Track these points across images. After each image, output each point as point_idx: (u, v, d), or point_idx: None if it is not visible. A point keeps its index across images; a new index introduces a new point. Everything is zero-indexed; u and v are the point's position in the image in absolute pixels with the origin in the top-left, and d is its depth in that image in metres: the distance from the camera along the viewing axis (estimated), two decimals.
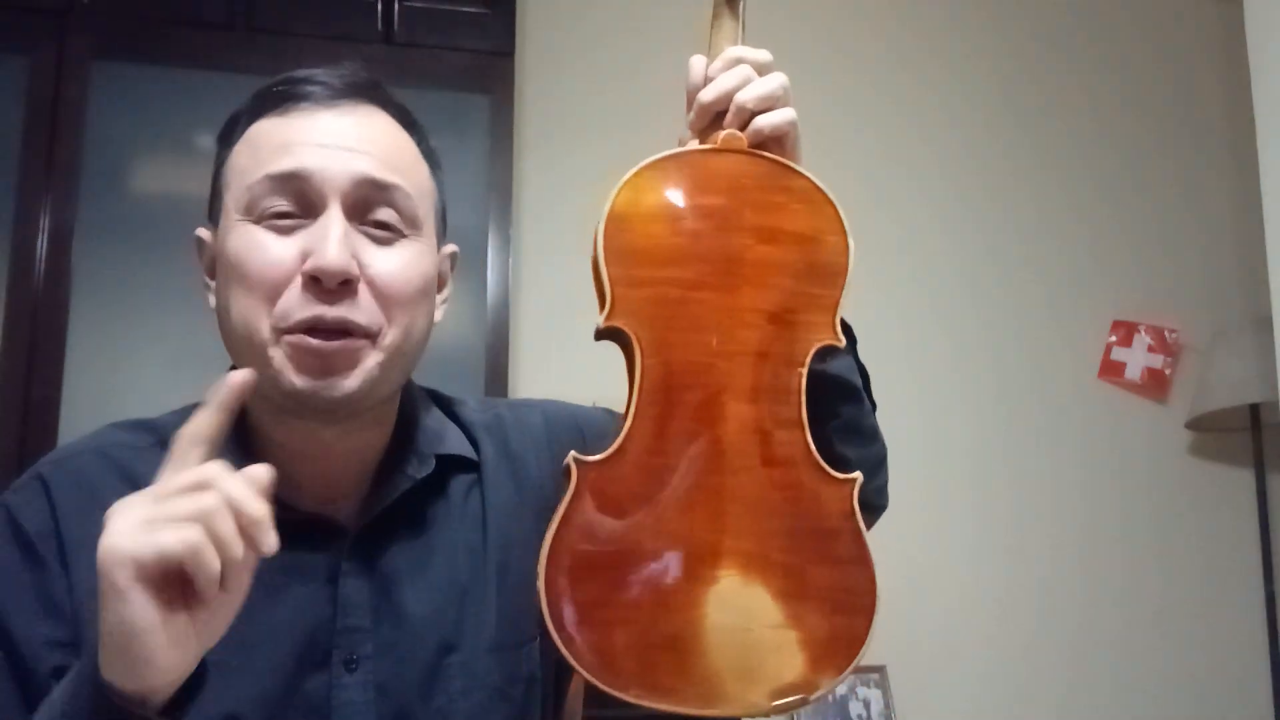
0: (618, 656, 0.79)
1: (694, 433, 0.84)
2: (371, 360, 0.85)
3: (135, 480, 0.87)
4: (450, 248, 0.97)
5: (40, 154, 2.23)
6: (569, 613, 0.79)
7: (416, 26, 2.45)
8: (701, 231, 0.87)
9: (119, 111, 2.30)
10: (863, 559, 0.85)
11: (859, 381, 0.99)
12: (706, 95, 0.91)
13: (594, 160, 2.61)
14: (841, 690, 2.53)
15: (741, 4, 0.96)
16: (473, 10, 2.49)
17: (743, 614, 0.81)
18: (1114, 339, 2.91)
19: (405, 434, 0.94)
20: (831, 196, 0.90)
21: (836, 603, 0.83)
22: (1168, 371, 2.90)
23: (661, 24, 2.76)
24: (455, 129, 2.43)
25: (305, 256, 0.84)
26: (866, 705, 2.52)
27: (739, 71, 0.91)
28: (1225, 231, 2.99)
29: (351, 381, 0.84)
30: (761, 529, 0.83)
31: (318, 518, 0.89)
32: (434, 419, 0.98)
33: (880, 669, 2.56)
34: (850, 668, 0.82)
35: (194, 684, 0.71)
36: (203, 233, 0.93)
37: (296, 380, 0.84)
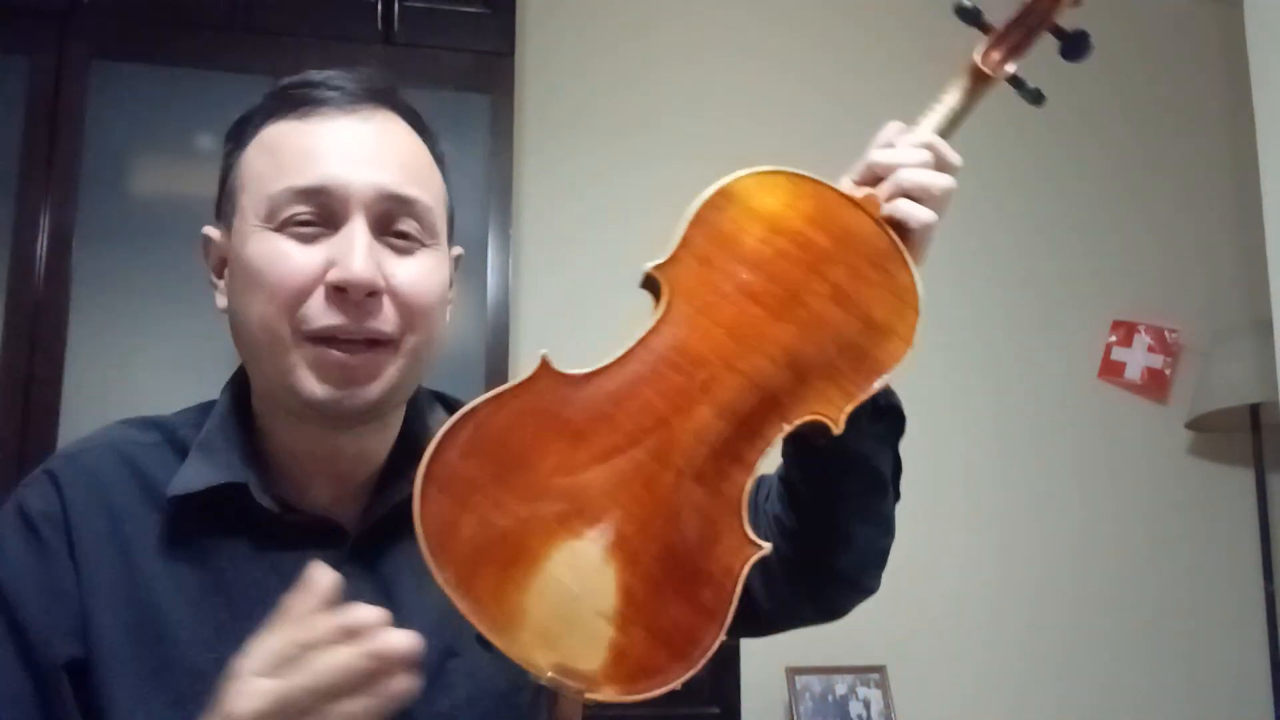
0: (457, 537, 0.77)
1: (655, 411, 0.82)
2: (393, 369, 0.86)
3: (144, 477, 0.89)
4: (456, 250, 0.98)
5: (40, 154, 2.23)
6: (443, 471, 0.77)
7: (416, 27, 2.45)
8: (788, 255, 0.87)
9: (119, 112, 2.30)
10: (717, 618, 0.80)
11: (889, 471, 0.98)
12: (878, 156, 0.92)
13: (594, 160, 2.61)
14: (841, 690, 2.53)
15: (974, 104, 0.98)
16: (473, 10, 2.49)
17: (581, 583, 0.78)
18: (1114, 339, 2.91)
19: (410, 437, 0.94)
20: (921, 306, 0.91)
21: (668, 638, 0.79)
22: (1168, 372, 2.90)
23: (661, 24, 2.76)
24: (455, 129, 2.43)
25: (328, 266, 0.84)
26: (866, 705, 2.52)
27: (919, 154, 0.92)
28: (1225, 232, 2.98)
29: (372, 391, 0.86)
30: (652, 528, 0.80)
31: (321, 520, 0.90)
32: (438, 421, 0.96)
33: (880, 669, 2.56)
34: (637, 697, 0.78)
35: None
36: (210, 231, 0.93)
37: (318, 390, 0.84)
